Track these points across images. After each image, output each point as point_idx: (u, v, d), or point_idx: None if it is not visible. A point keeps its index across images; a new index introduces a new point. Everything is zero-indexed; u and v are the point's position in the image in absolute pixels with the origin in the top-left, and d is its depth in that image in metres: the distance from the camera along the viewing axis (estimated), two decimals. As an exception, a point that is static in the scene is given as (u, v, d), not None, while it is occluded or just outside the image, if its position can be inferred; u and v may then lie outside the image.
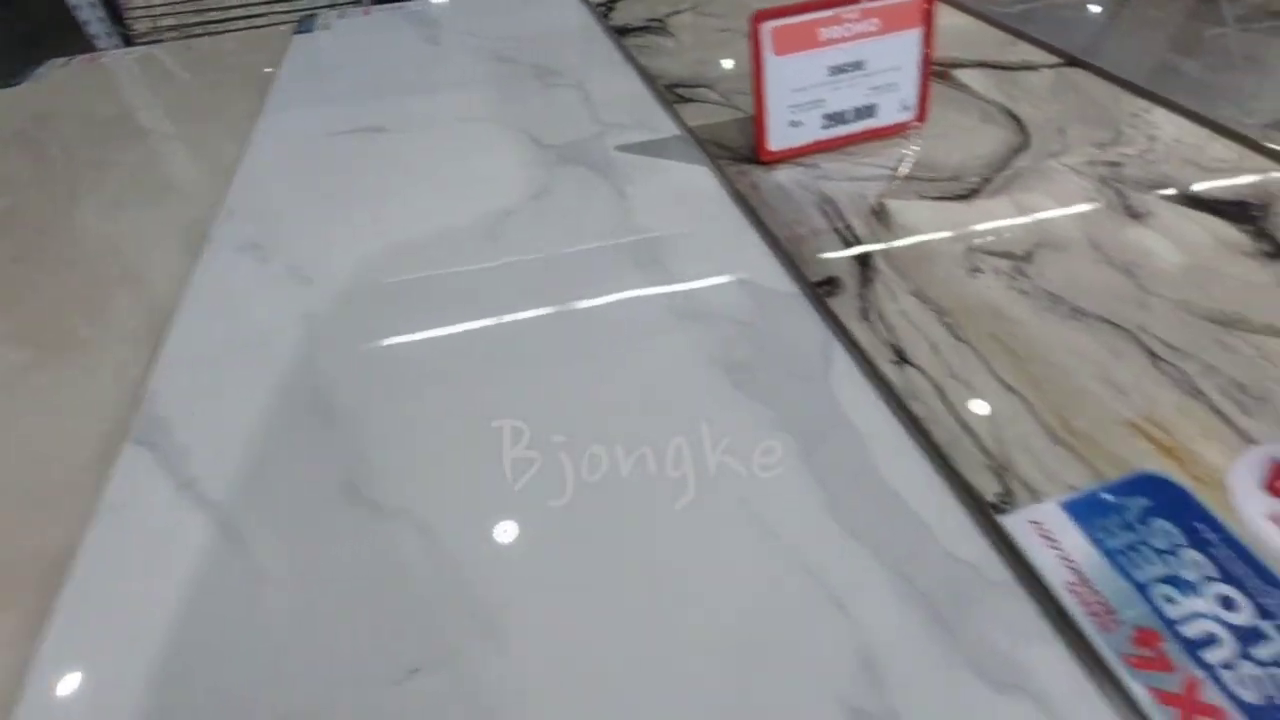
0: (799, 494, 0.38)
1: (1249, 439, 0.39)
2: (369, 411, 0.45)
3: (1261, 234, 0.54)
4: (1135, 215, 0.57)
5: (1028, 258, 0.53)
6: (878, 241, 0.55)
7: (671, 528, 0.37)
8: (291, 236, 0.62)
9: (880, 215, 0.58)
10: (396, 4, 1.03)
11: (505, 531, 0.38)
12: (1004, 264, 0.52)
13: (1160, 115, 0.70)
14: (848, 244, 0.55)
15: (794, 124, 0.64)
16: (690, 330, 0.49)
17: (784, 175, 0.63)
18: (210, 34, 1.54)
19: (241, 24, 1.49)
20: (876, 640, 0.32)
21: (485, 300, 0.53)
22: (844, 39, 0.61)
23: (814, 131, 0.65)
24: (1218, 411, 0.41)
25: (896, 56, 0.64)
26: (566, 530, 0.38)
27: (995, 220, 0.57)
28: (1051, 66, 0.81)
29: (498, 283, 0.55)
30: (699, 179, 0.65)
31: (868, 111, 0.66)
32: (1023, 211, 0.58)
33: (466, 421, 0.44)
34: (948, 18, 0.94)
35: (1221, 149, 0.65)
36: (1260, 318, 0.47)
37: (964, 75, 0.79)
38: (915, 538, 0.36)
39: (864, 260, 0.53)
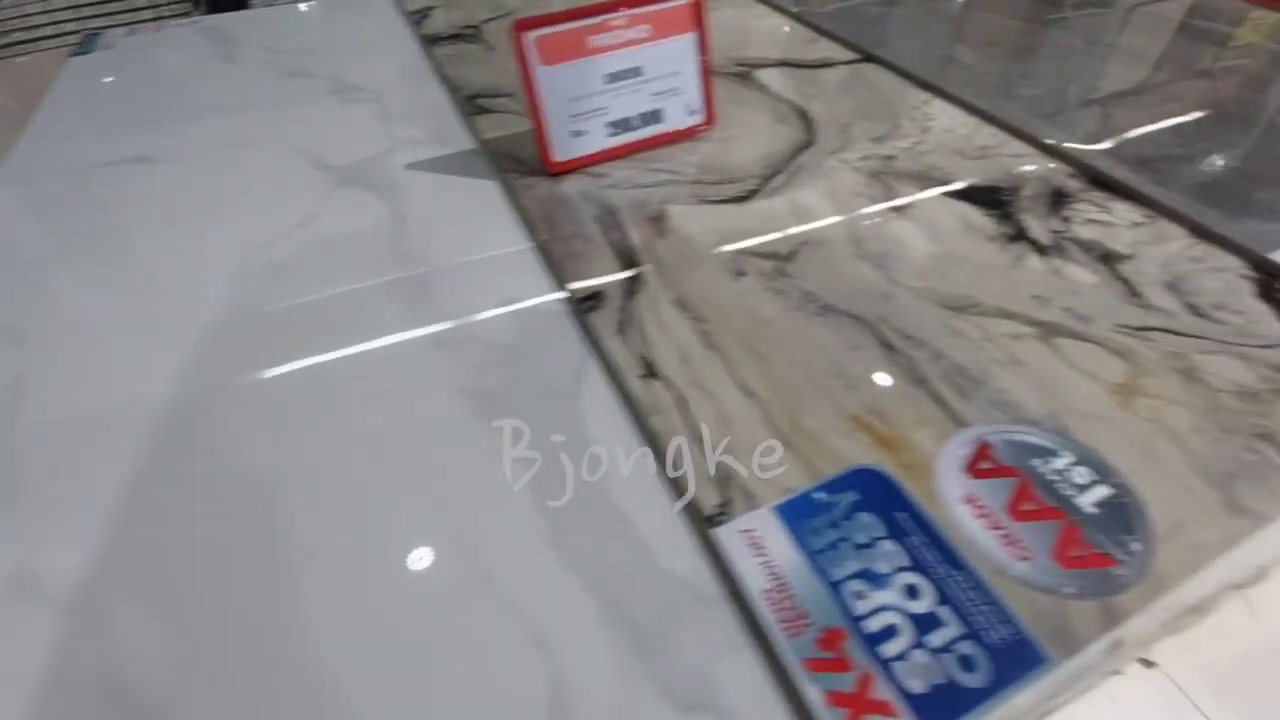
0: (521, 529, 0.37)
1: (962, 423, 0.41)
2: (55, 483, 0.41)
3: (1006, 217, 0.58)
4: (898, 208, 0.59)
5: (791, 257, 0.54)
6: (651, 250, 0.55)
7: (394, 575, 0.35)
8: (7, 288, 0.55)
9: (659, 223, 0.58)
10: (190, 20, 0.96)
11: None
12: (768, 265, 0.53)
13: (938, 106, 0.74)
14: (621, 255, 0.54)
15: (577, 133, 0.63)
16: (444, 360, 0.47)
17: (571, 186, 0.62)
18: None
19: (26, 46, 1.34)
20: (571, 676, 0.31)
21: (220, 353, 0.49)
22: (616, 46, 0.61)
23: (600, 140, 0.64)
24: (937, 398, 0.42)
25: (674, 61, 0.64)
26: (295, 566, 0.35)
27: (766, 221, 0.58)
28: (848, 63, 0.84)
29: (235, 332, 0.50)
30: (485, 195, 0.63)
31: (654, 117, 0.66)
32: (794, 211, 0.59)
33: (194, 484, 0.40)
34: (760, 18, 0.96)
35: (988, 136, 0.69)
36: (992, 300, 0.50)
37: (764, 75, 0.81)
38: (634, 561, 0.35)
39: (634, 271, 0.53)
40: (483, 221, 0.60)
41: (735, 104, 0.74)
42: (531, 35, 0.57)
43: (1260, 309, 0.48)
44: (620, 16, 0.60)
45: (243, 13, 1.04)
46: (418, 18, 0.97)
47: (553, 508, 0.38)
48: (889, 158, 0.65)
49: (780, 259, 0.54)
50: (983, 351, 0.45)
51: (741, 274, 0.52)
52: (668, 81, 0.65)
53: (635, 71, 0.63)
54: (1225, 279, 0.51)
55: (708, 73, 0.66)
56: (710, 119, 0.68)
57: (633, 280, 0.52)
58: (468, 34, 0.92)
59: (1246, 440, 0.40)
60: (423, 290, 0.52)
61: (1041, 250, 0.54)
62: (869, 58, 0.84)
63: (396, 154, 0.68)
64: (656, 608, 0.33)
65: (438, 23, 0.95)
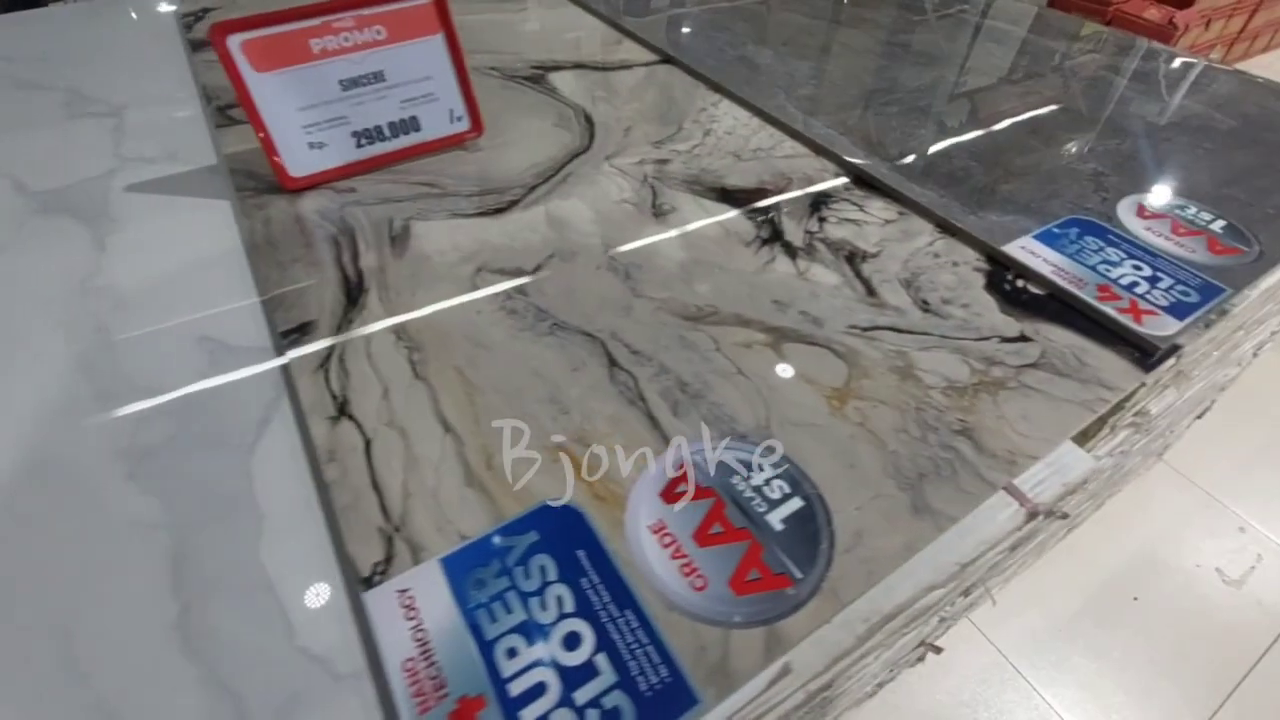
0: (141, 613, 0.32)
1: (670, 442, 0.39)
2: None
3: (766, 222, 0.57)
4: (660, 214, 0.57)
5: (535, 272, 0.51)
6: (382, 274, 0.50)
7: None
8: None
9: (399, 242, 0.53)
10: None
11: None
12: (507, 283, 0.49)
13: (725, 108, 0.74)
14: (347, 281, 0.49)
15: (316, 146, 0.58)
16: (100, 419, 0.40)
17: (310, 204, 0.57)
18: None
19: None
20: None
21: None
22: (346, 49, 0.56)
23: (346, 152, 0.59)
24: (650, 418, 0.40)
25: (424, 65, 0.60)
26: None
27: (519, 234, 0.54)
28: (646, 65, 0.82)
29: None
30: (210, 218, 0.56)
31: (409, 126, 0.61)
32: (551, 221, 0.56)
33: None
34: (568, 20, 0.93)
35: (765, 138, 0.69)
36: (731, 308, 0.48)
37: (557, 78, 0.78)
38: (269, 638, 0.31)
39: (354, 298, 0.48)
40: (199, 249, 0.53)
41: (519, 109, 0.71)
42: (236, 39, 0.52)
43: (986, 300, 0.49)
44: (345, 18, 0.55)
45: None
46: (190, 20, 0.88)
47: (192, 584, 0.32)
48: (663, 162, 0.64)
49: (522, 275, 0.50)
50: (710, 363, 0.44)
51: (476, 291, 0.49)
52: (420, 87, 0.60)
53: (377, 77, 0.58)
54: (960, 273, 0.52)
55: (466, 77, 0.62)
56: (477, 126, 0.64)
57: (351, 308, 0.47)
58: (242, 39, 0.84)
59: (946, 437, 0.39)
60: (101, 333, 0.45)
61: (793, 253, 0.53)
62: (667, 59, 0.83)
63: (120, 175, 0.60)
64: (285, 696, 0.29)
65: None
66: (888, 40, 0.89)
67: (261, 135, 0.54)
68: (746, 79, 0.77)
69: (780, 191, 0.60)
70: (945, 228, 0.56)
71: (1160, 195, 0.59)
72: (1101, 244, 0.53)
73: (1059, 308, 0.48)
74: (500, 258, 0.52)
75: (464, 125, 0.63)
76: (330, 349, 0.44)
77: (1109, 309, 0.47)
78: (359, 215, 0.55)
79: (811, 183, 0.61)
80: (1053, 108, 0.73)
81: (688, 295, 0.49)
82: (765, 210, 0.58)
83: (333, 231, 0.54)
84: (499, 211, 0.57)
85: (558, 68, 0.80)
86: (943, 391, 0.42)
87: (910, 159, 0.63)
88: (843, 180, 0.62)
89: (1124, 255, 0.52)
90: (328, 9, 0.54)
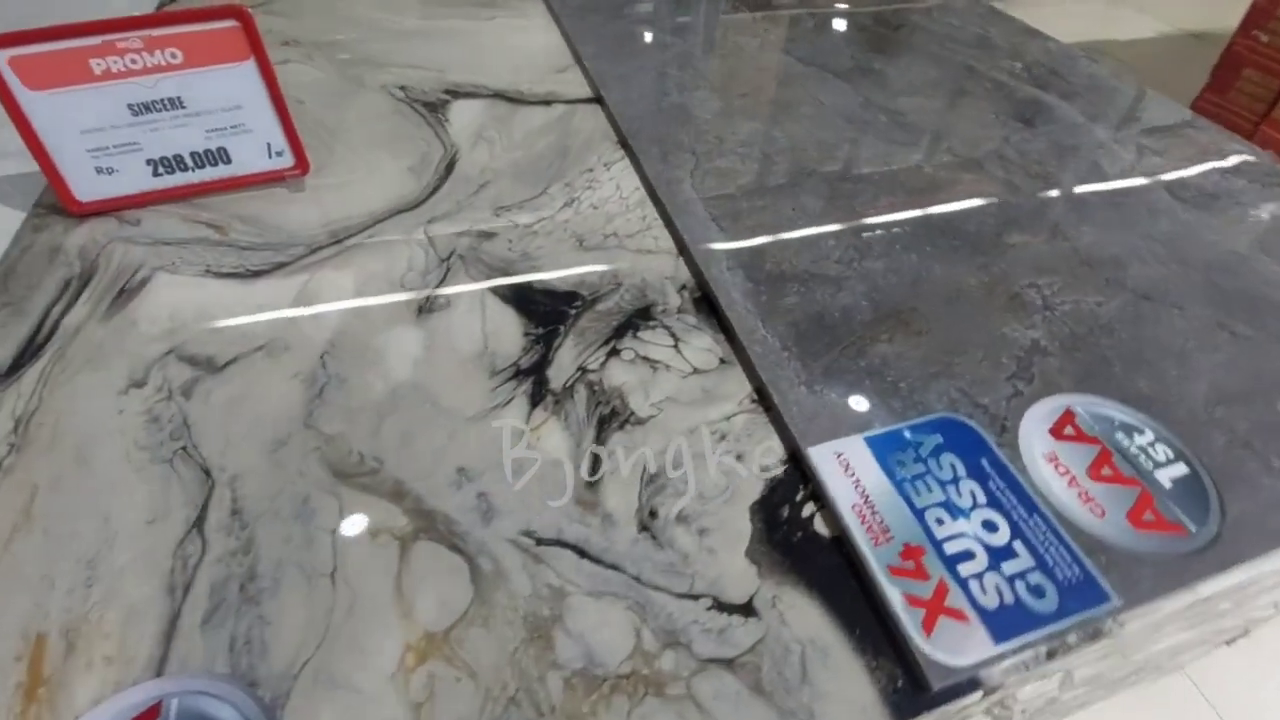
0: None
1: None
2: None
3: (539, 341, 0.45)
4: (427, 310, 0.47)
5: (224, 368, 0.43)
6: (74, 337, 0.44)
7: None
8: None
9: (125, 297, 0.47)
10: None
11: None
12: (185, 375, 0.42)
13: (616, 171, 0.61)
14: (33, 339, 0.43)
15: (104, 171, 0.53)
16: None
17: (82, 235, 0.52)
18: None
19: None
20: None
21: None
22: (135, 72, 0.50)
23: (139, 180, 0.54)
24: (171, 623, 0.31)
25: (231, 94, 0.53)
26: None
27: (252, 310, 0.46)
28: (569, 103, 0.70)
29: None
30: (-10, 233, 0.53)
31: (217, 157, 0.55)
32: (300, 299, 0.47)
33: None
34: (531, 33, 0.83)
35: (636, 219, 0.55)
36: (398, 468, 0.37)
37: (461, 107, 0.68)
38: None
39: (19, 364, 0.42)
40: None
41: (384, 142, 0.63)
42: (4, 55, 0.47)
43: (739, 529, 0.35)
44: (131, 38, 0.49)
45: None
46: None
47: None
48: (488, 236, 0.53)
49: (209, 369, 0.43)
50: (308, 552, 0.34)
51: (139, 385, 0.42)
52: (228, 117, 0.54)
53: (174, 103, 0.52)
54: (734, 473, 0.38)
55: (284, 108, 0.54)
56: (302, 163, 0.57)
57: (7, 377, 0.41)
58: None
59: None
60: None
61: (540, 397, 0.41)
62: (597, 99, 0.71)
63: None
64: None
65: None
66: (885, 105, 0.71)
67: (39, 156, 0.51)
68: (663, 136, 0.64)
69: (595, 300, 0.48)
70: (761, 397, 0.42)
71: (1104, 402, 0.41)
72: (960, 472, 0.36)
73: (834, 567, 0.34)
74: (203, 340, 0.44)
75: (285, 161, 0.56)
76: (-64, 431, 0.39)
77: (894, 590, 0.31)
78: (114, 255, 0.50)
79: (643, 294, 0.48)
80: (1039, 239, 0.54)
81: (364, 437, 0.39)
82: (552, 324, 0.46)
83: (72, 272, 0.49)
84: (256, 275, 0.49)
85: (472, 94, 0.71)
86: (570, 676, 0.30)
87: (788, 282, 0.49)
88: (679, 299, 0.48)
89: (983, 499, 0.35)
90: (109, 27, 0.48)
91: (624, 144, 0.64)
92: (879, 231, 0.54)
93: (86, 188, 0.53)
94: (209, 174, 0.55)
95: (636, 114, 0.67)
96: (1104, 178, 0.62)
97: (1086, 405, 0.41)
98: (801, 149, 0.63)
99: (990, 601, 0.32)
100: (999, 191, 0.59)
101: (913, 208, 0.56)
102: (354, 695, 0.29)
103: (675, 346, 0.45)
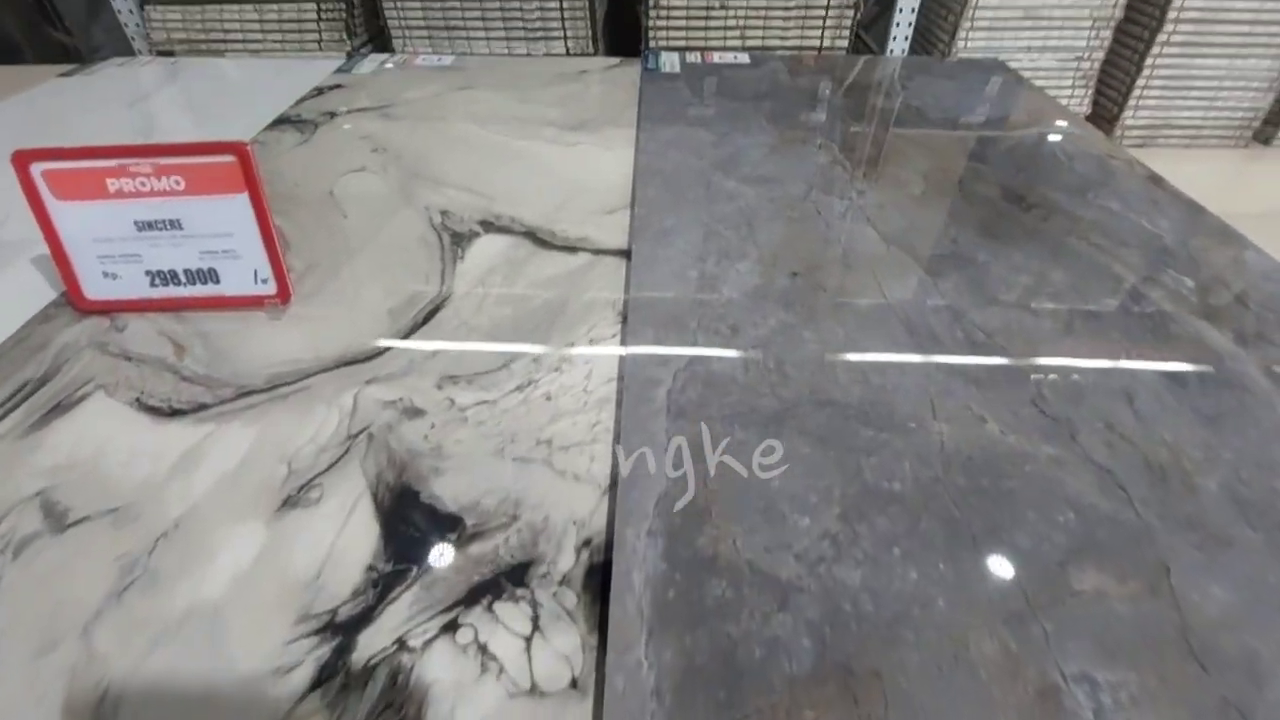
0: None
1: None
2: None
3: (325, 635, 0.37)
4: (287, 505, 0.41)
5: (63, 529, 0.39)
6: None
7: None
8: None
9: (55, 413, 0.47)
10: None
11: None
12: (33, 524, 0.39)
13: (598, 352, 0.52)
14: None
15: (110, 275, 0.55)
16: None
17: (74, 333, 0.54)
18: None
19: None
20: None
21: None
22: (143, 194, 0.52)
23: (140, 288, 0.55)
24: None
25: (224, 221, 0.53)
26: None
27: (144, 462, 0.43)
28: (596, 253, 0.64)
29: None
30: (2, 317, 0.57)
31: (207, 276, 0.55)
32: (188, 459, 0.43)
33: None
34: (616, 153, 0.79)
35: (602, 426, 0.46)
36: None
37: (485, 243, 0.65)
38: None
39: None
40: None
41: (392, 274, 0.60)
42: (39, 168, 0.51)
43: None
44: (143, 164, 0.51)
45: None
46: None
47: None
48: (416, 412, 0.47)
49: (55, 526, 0.39)
50: None
51: (-15, 529, 0.40)
52: (220, 241, 0.54)
53: (174, 224, 0.53)
54: None
55: (272, 240, 0.53)
56: (283, 293, 0.55)
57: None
58: (306, 125, 0.89)
59: None
60: None
61: (337, 669, 0.33)
62: (628, 252, 0.63)
63: None
64: None
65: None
66: (969, 315, 0.55)
67: (57, 256, 0.54)
68: (670, 314, 0.53)
69: (475, 536, 0.39)
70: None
71: None
72: None
73: None
74: (76, 488, 0.41)
75: (269, 289, 0.55)
76: None
77: None
78: (78, 364, 0.51)
79: (534, 543, 0.39)
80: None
81: (125, 669, 0.33)
82: (408, 562, 0.37)
83: (37, 374, 0.50)
84: (172, 415, 0.47)
85: (505, 229, 0.67)
86: None
87: (716, 575, 0.36)
88: (572, 560, 0.38)
89: None
90: (125, 152, 0.51)
91: (625, 318, 0.56)
92: (879, 520, 0.40)
93: (93, 288, 0.56)
94: (199, 290, 0.56)
95: (653, 280, 0.58)
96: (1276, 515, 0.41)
97: None
98: (827, 363, 0.50)
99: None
100: (1087, 491, 0.42)
101: (943, 492, 0.41)
102: None
103: (529, 639, 0.35)
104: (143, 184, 0.52)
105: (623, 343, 0.53)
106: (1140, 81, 1.75)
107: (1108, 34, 1.67)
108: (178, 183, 0.52)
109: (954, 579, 0.37)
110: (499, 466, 0.43)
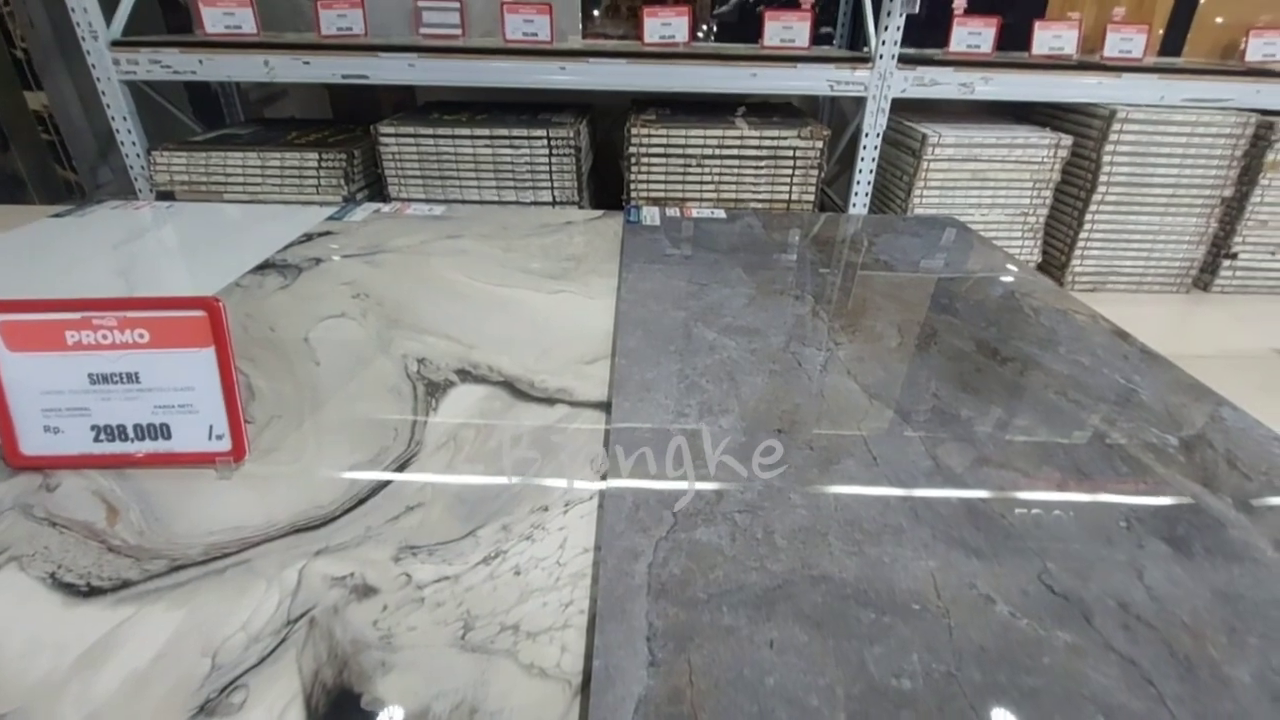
0: None
1: None
2: None
3: None
4: (210, 714, 0.35)
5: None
6: None
7: None
8: None
9: (-49, 592, 0.42)
10: None
11: None
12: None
13: (578, 514, 0.49)
14: None
15: (51, 430, 0.51)
16: None
17: (2, 489, 0.50)
18: None
19: None
20: None
21: None
22: (103, 346, 0.50)
23: (81, 443, 0.51)
24: None
25: (186, 375, 0.50)
26: None
27: (46, 655, 0.37)
28: (573, 405, 0.62)
29: None
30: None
31: (159, 432, 0.52)
32: (96, 652, 0.38)
33: None
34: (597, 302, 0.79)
35: (574, 609, 0.42)
36: None
37: (461, 393, 0.63)
38: None
39: None
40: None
41: (359, 428, 0.57)
42: (-4, 319, 0.49)
43: None
44: (109, 317, 0.49)
45: None
46: (290, 243, 0.99)
47: None
48: (369, 591, 0.42)
49: (-86, 743, 0.33)
50: None
51: None
52: (178, 396, 0.51)
53: (131, 377, 0.51)
54: None
55: (233, 395, 0.51)
56: (238, 450, 0.52)
57: None
58: (290, 269, 0.91)
59: None
60: None
61: None
62: (607, 405, 0.62)
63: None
64: None
65: None
66: (960, 476, 0.53)
67: (-2, 409, 0.51)
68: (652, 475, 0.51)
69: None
70: None
71: None
72: None
73: None
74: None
75: (223, 445, 0.52)
76: None
77: None
78: (1, 527, 0.47)
79: (493, 760, 0.33)
80: None
81: None
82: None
83: (-59, 545, 0.45)
84: (89, 594, 0.41)
85: (481, 379, 0.66)
86: None
87: None
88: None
89: None
90: (91, 305, 0.49)
91: (603, 476, 0.53)
92: (889, 727, 0.35)
93: (31, 443, 0.51)
94: (146, 446, 0.52)
95: (633, 438, 0.56)
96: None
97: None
98: (819, 532, 0.47)
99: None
100: (1115, 688, 0.38)
101: (959, 691, 0.37)
102: None
103: None
104: (104, 336, 0.50)
105: (600, 505, 0.50)
106: (1083, 234, 1.89)
107: (1049, 193, 1.83)
108: (142, 335, 0.50)
109: None
110: (454, 660, 0.38)
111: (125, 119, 1.51)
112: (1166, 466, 0.56)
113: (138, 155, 1.60)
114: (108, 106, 1.50)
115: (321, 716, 0.35)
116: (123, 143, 1.55)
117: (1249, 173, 1.80)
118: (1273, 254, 1.90)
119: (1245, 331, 1.82)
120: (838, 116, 2.16)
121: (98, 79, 1.48)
